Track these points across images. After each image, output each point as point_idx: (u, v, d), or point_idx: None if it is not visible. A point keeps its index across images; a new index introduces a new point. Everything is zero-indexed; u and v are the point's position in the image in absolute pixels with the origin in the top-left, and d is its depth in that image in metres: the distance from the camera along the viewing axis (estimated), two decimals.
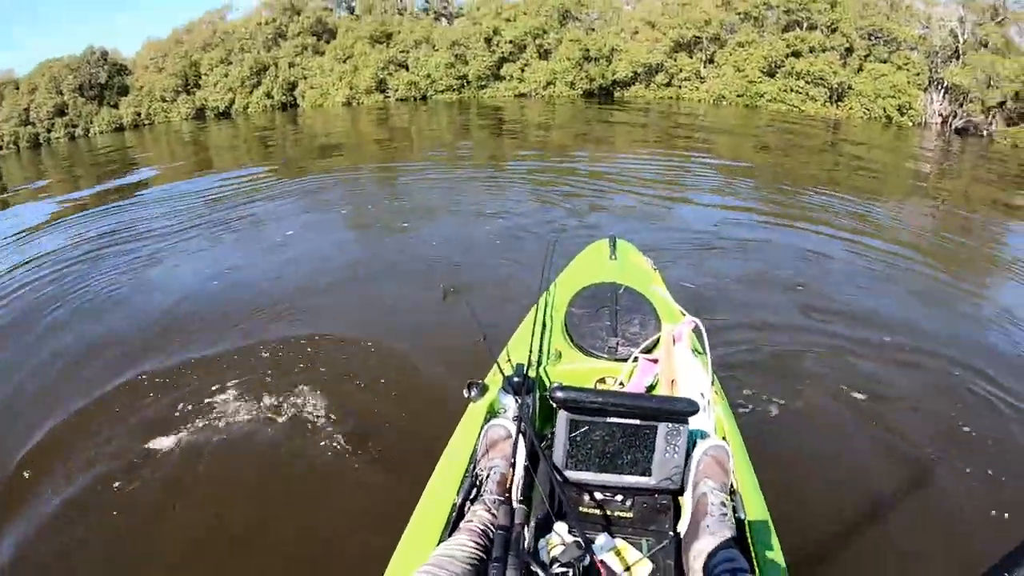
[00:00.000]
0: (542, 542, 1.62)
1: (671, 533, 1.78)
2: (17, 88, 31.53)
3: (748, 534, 1.77)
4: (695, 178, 11.26)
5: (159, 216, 9.39)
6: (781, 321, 4.98)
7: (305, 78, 31.50)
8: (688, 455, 1.86)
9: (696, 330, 2.43)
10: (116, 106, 32.04)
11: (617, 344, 2.54)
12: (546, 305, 2.88)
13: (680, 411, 1.76)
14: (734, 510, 1.79)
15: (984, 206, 10.54)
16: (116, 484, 3.31)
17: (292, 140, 19.80)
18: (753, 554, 1.73)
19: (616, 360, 2.50)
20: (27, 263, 7.50)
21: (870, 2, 27.47)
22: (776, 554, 1.77)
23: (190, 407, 3.85)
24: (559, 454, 1.80)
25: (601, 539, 1.71)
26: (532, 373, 2.24)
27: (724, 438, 2.03)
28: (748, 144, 16.43)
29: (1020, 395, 4.02)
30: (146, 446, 3.56)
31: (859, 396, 3.99)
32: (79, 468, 3.44)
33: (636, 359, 2.47)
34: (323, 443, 3.49)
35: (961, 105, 24.57)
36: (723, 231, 7.52)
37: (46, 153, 25.92)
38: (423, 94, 29.88)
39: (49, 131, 30.82)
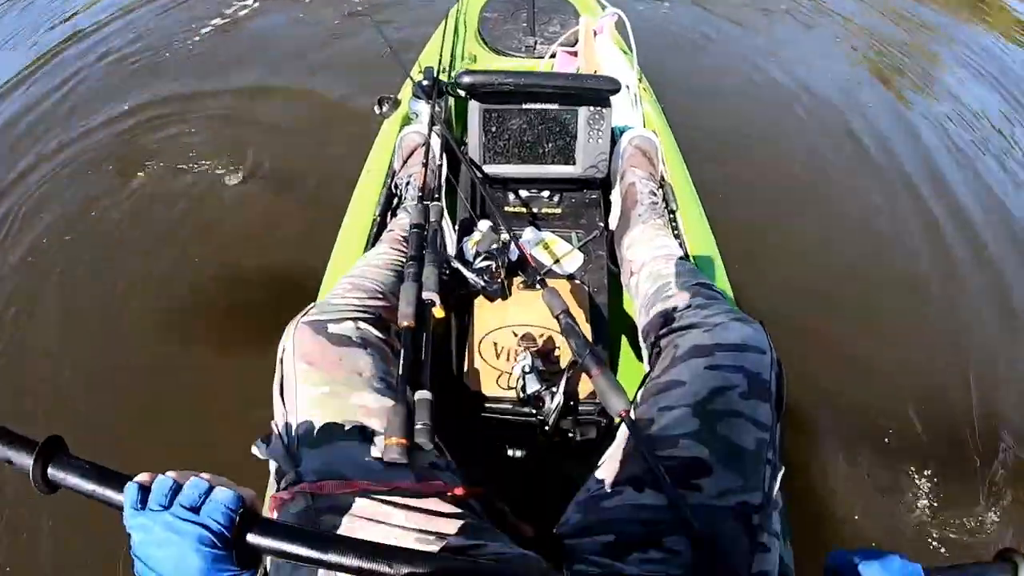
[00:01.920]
0: (465, 241, 1.51)
1: (601, 225, 1.68)
2: None
3: (681, 225, 1.70)
4: None
5: None
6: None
7: None
8: (615, 147, 1.75)
9: (619, 23, 2.21)
10: None
11: (535, 43, 2.39)
12: (458, 12, 2.67)
13: (600, 88, 1.61)
14: (665, 201, 1.71)
15: None
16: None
17: None
18: (687, 242, 1.67)
19: (535, 58, 2.35)
20: None
21: None
22: (709, 243, 1.71)
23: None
24: (475, 148, 1.67)
25: (528, 233, 1.63)
26: (444, 78, 2.06)
27: (654, 132, 1.87)
28: None
29: None
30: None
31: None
32: None
33: (554, 55, 2.28)
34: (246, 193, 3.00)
35: None
36: None
37: None
38: None
39: None
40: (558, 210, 1.73)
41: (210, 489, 0.57)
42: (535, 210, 1.72)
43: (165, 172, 3.07)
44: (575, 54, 2.25)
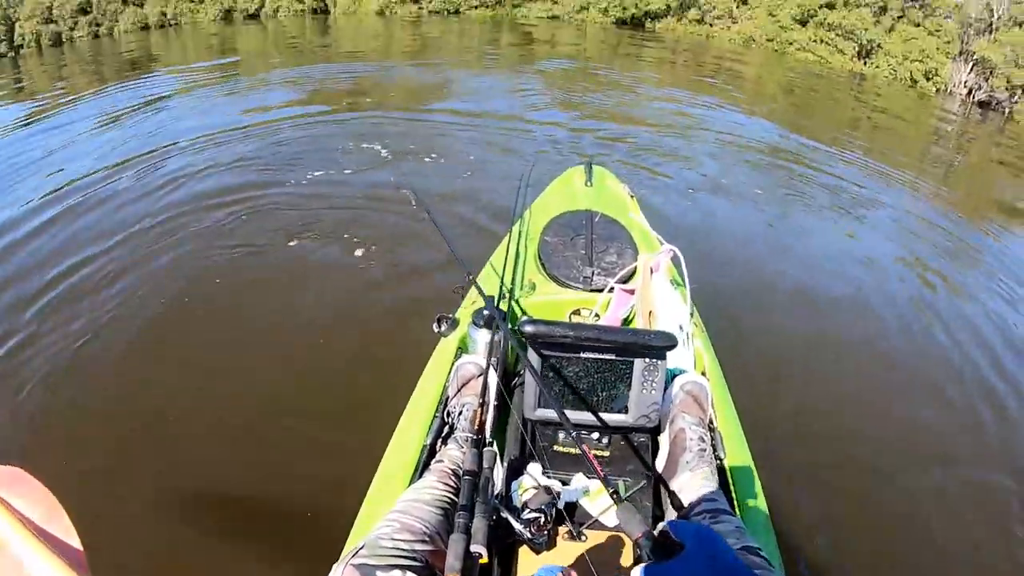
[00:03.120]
0: (514, 485, 1.52)
1: (648, 472, 1.69)
2: None
3: (728, 474, 1.70)
4: (708, 111, 10.84)
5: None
6: (771, 259, 4.82)
7: None
8: (666, 390, 1.75)
9: (675, 259, 2.28)
10: (142, 5, 30.48)
11: (592, 274, 2.41)
12: (519, 234, 2.72)
13: (658, 346, 1.63)
14: (713, 448, 1.70)
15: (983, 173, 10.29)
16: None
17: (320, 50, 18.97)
18: (734, 494, 1.65)
19: (591, 291, 2.38)
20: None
21: None
22: (758, 496, 1.69)
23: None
24: (531, 391, 1.68)
25: (576, 480, 1.63)
26: (504, 306, 2.12)
27: (703, 373, 1.89)
28: (770, 86, 15.95)
29: None
30: None
31: (841, 336, 3.88)
32: None
33: (612, 290, 2.33)
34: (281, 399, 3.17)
35: (987, 79, 23.68)
36: (725, 170, 7.33)
37: (68, 51, 24.81)
38: (456, 8, 28.63)
39: (72, 29, 29.18)
40: (607, 453, 1.73)
41: None
42: (584, 451, 1.71)
43: None
44: (631, 291, 2.31)
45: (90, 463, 2.71)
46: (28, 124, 8.70)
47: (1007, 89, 22.97)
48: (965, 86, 24.42)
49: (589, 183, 3.20)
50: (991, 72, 23.41)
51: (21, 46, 28.69)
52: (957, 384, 3.64)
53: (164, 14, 30.36)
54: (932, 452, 3.15)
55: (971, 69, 24.34)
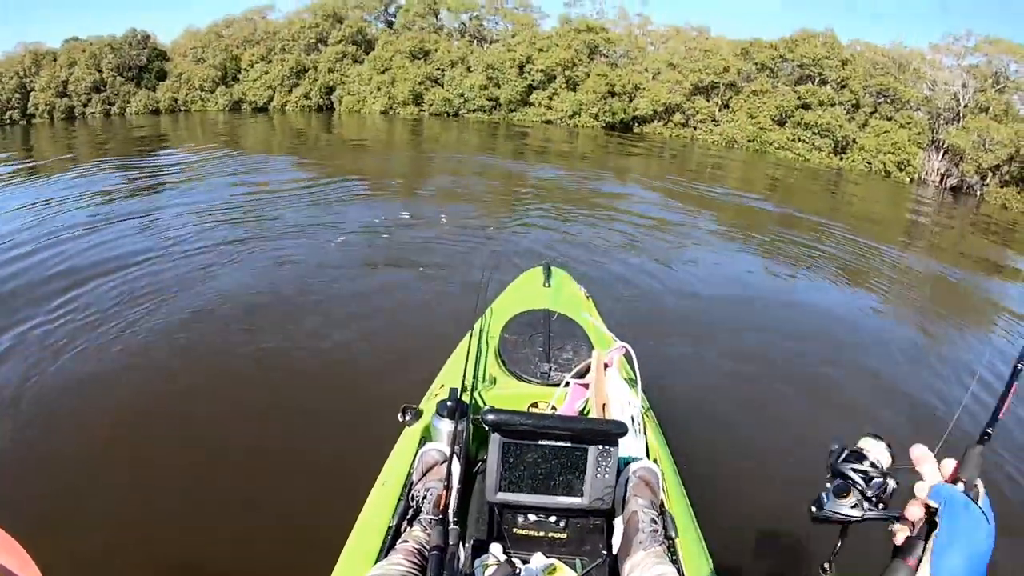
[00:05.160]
0: (478, 563, 1.59)
1: (604, 552, 1.76)
2: (55, 60, 31.54)
3: (680, 552, 1.75)
4: (687, 212, 11.20)
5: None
6: (724, 351, 4.97)
7: (343, 84, 31.86)
8: (619, 476, 1.82)
9: (627, 356, 2.39)
10: (154, 89, 32.15)
11: (549, 369, 2.50)
12: (480, 331, 2.81)
13: (610, 433, 1.72)
14: (665, 528, 1.75)
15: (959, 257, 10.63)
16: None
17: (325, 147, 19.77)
18: (686, 571, 1.70)
19: (548, 385, 2.45)
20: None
21: (880, 62, 27.53)
22: (709, 572, 1.75)
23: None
24: (492, 477, 1.74)
25: (536, 559, 1.69)
26: (466, 398, 2.18)
27: (655, 460, 1.98)
28: (752, 184, 16.47)
29: None
30: None
31: (796, 425, 3.96)
32: None
33: (568, 384, 2.42)
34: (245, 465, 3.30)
35: (957, 165, 24.46)
36: (692, 266, 7.54)
37: (80, 126, 25.74)
38: (456, 111, 30.25)
39: (85, 105, 30.83)
40: (564, 535, 1.80)
41: None
42: (543, 534, 1.80)
43: None
44: (586, 386, 2.44)
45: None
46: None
47: (976, 172, 23.72)
48: (938, 173, 25.18)
49: (547, 284, 3.33)
50: (961, 158, 24.19)
51: (33, 115, 30.16)
52: None
53: (175, 99, 32.04)
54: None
55: (942, 156, 25.18)
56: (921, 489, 0.80)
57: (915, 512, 0.80)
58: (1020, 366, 0.81)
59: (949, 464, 0.81)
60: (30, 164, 13.04)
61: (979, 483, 0.78)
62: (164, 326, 4.74)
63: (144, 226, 7.66)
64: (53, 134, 22.19)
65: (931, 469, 0.81)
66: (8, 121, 29.21)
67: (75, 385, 3.93)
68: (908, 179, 24.33)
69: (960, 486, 0.78)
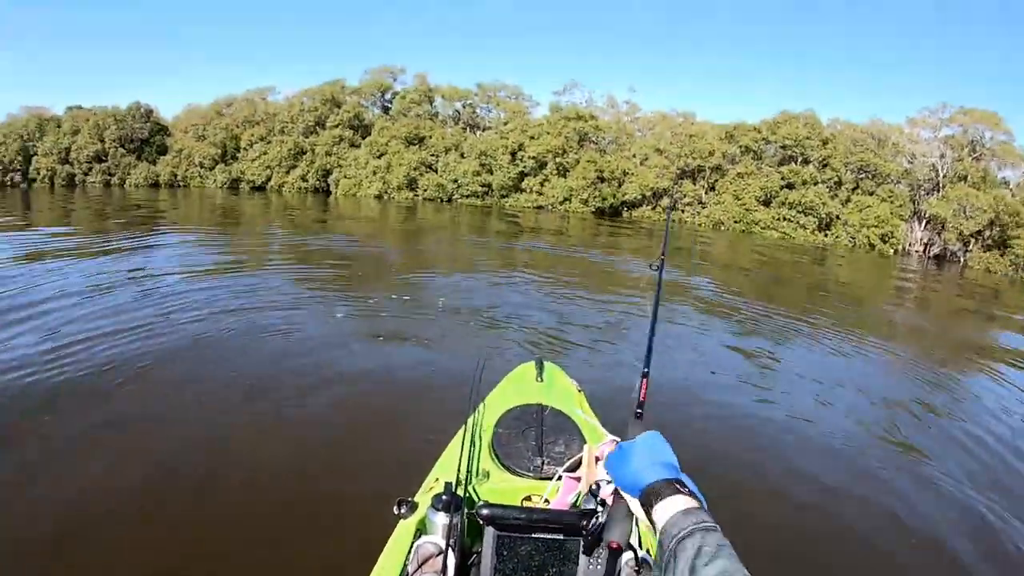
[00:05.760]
0: None
1: None
2: (59, 126, 32.61)
3: None
4: (674, 298, 11.34)
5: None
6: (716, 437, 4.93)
7: (340, 167, 32.74)
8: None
9: None
10: (154, 163, 33.01)
11: (542, 463, 2.58)
12: (474, 425, 2.86)
13: (600, 523, 1.84)
14: None
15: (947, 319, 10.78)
16: None
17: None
18: None
19: (541, 478, 2.53)
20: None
21: (860, 139, 28.61)
22: None
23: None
24: (487, 570, 1.81)
25: None
26: (461, 491, 2.24)
27: (648, 550, 2.05)
28: (740, 265, 16.70)
29: None
30: None
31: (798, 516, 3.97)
32: None
33: (560, 477, 2.52)
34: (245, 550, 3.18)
35: (939, 233, 25.01)
36: (682, 355, 7.48)
37: (79, 194, 25.76)
38: (449, 196, 31.03)
39: (86, 174, 31.72)
40: None
41: None
42: None
43: None
44: (578, 479, 2.53)
45: None
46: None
47: (959, 240, 24.24)
48: (921, 243, 25.74)
49: (540, 378, 3.42)
50: (943, 227, 24.75)
51: (35, 180, 30.96)
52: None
53: (175, 174, 32.83)
54: None
55: (924, 226, 25.77)
56: None
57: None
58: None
59: None
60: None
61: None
62: (140, 413, 4.38)
63: (145, 293, 7.66)
64: (52, 199, 22.48)
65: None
66: (10, 183, 30.17)
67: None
68: (892, 250, 24.88)
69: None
